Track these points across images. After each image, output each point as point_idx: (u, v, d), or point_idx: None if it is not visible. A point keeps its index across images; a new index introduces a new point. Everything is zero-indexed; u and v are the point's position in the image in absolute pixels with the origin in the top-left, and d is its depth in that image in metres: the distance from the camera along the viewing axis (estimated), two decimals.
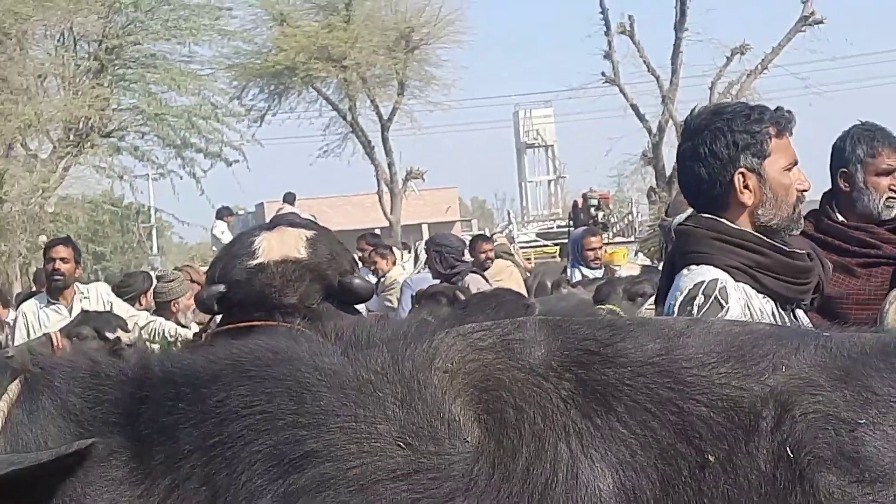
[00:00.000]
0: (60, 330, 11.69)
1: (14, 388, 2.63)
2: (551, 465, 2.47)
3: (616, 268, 19.48)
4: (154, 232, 51.09)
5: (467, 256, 19.15)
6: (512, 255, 23.98)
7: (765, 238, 4.89)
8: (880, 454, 2.43)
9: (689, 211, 5.20)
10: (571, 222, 34.83)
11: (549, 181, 58.68)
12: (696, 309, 4.67)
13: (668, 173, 39.97)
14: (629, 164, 45.90)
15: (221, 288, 5.50)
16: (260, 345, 2.82)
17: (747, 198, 4.89)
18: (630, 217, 43.67)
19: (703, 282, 4.77)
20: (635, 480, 2.46)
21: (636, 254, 23.78)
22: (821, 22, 40.17)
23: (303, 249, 5.19)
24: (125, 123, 46.39)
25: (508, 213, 54.43)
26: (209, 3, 47.27)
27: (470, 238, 22.48)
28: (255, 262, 5.28)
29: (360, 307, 12.91)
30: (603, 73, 42.78)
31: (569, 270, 19.03)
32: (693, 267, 4.84)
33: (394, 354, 2.63)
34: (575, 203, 36.28)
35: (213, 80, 48.16)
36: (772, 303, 4.75)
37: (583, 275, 18.20)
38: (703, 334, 2.74)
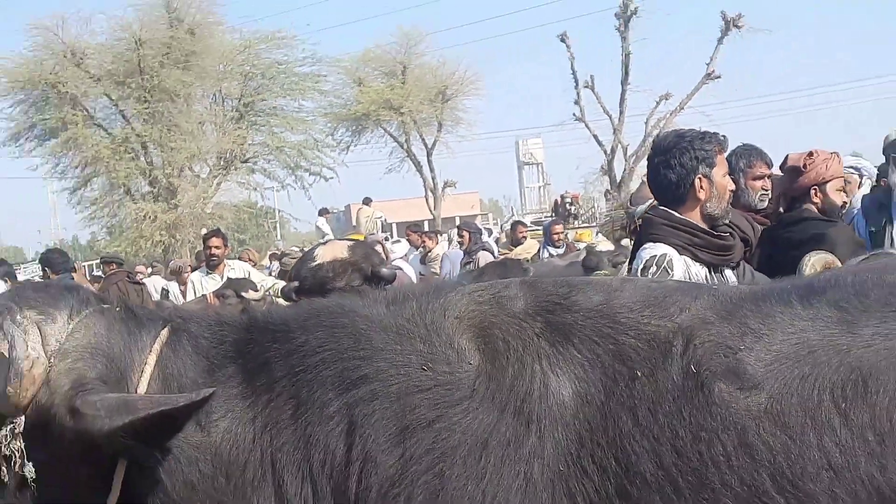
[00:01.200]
0: (213, 292, 11.88)
1: (165, 332, 2.63)
2: (529, 379, 2.47)
3: (579, 244, 19.64)
4: (277, 225, 51.49)
5: (485, 238, 19.38)
6: None
7: (699, 225, 4.87)
8: (755, 370, 2.39)
9: (650, 202, 5.21)
10: (553, 214, 34.96)
11: (539, 187, 58.61)
12: (650, 274, 4.69)
13: (618, 180, 40.30)
14: (592, 174, 46.06)
15: (295, 284, 5.81)
16: (331, 302, 2.86)
17: (702, 195, 4.85)
18: (593, 209, 43.61)
19: (655, 255, 4.75)
20: (587, 389, 2.44)
21: (597, 234, 23.74)
22: (718, 77, 39.96)
23: (345, 252, 5.44)
24: (257, 153, 46.82)
25: (512, 209, 54.51)
26: (311, 72, 47.67)
27: (512, 222, 22.92)
28: (314, 263, 5.58)
29: (411, 274, 12.95)
30: (574, 115, 42.75)
31: (541, 250, 19.15)
32: (651, 244, 4.81)
33: (420, 307, 2.65)
34: (556, 201, 36.37)
35: (315, 124, 48.67)
36: (705, 268, 4.73)
37: (550, 253, 18.29)
38: (631, 289, 2.72)
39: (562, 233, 19.90)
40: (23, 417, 2.44)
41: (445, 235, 24.94)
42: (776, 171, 7.05)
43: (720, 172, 4.94)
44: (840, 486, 2.26)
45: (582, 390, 2.44)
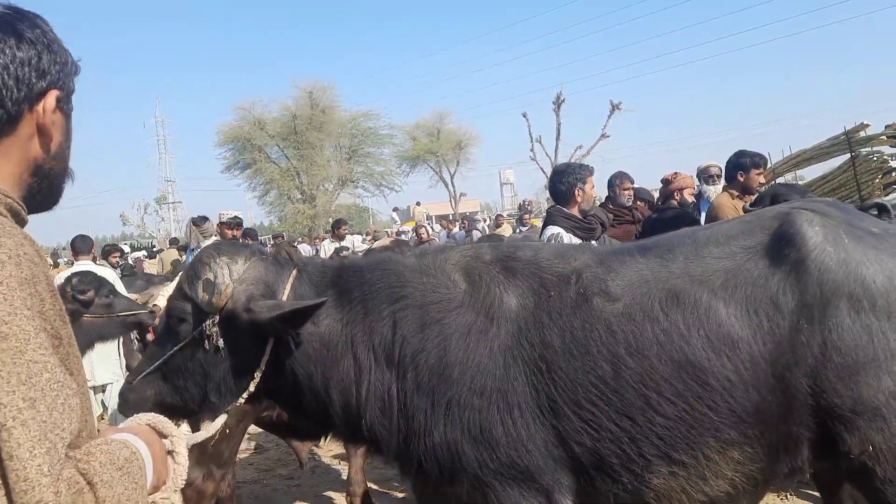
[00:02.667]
0: (335, 250, 11.87)
1: (295, 272, 2.59)
2: (493, 296, 2.43)
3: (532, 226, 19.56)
4: (370, 216, 51.37)
5: (480, 225, 19.41)
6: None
7: (576, 216, 4.73)
8: (615, 290, 2.38)
9: (551, 203, 5.11)
10: (520, 212, 34.74)
11: (512, 196, 58.02)
12: (565, 240, 4.58)
13: None
14: (539, 188, 45.74)
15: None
16: (385, 255, 2.79)
17: (579, 198, 4.74)
18: (539, 208, 43.26)
19: (553, 233, 4.65)
20: (524, 301, 2.42)
21: (542, 221, 23.58)
22: (608, 136, 39.33)
23: (388, 242, 5.31)
24: (358, 177, 46.59)
25: (496, 209, 54.08)
26: (388, 133, 47.56)
27: (496, 215, 22.94)
28: (373, 246, 5.39)
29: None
30: (530, 156, 42.22)
31: (517, 228, 19.20)
32: (551, 226, 4.73)
33: (434, 258, 2.59)
34: (520, 204, 36.05)
35: (390, 161, 48.47)
36: (579, 240, 4.60)
37: (521, 230, 18.34)
38: (548, 248, 2.69)
39: (529, 219, 19.82)
40: (218, 315, 2.45)
41: (458, 223, 24.87)
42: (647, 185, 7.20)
43: (589, 186, 4.81)
44: (662, 352, 2.27)
45: (522, 302, 2.41)
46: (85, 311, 4.97)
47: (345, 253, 10.84)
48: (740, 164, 5.83)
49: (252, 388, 2.51)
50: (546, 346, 2.33)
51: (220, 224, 8.39)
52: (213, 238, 8.86)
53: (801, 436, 2.26)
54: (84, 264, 7.94)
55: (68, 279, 5.16)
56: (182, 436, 1.50)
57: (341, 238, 13.55)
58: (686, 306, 2.31)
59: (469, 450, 2.30)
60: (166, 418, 1.51)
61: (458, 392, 2.31)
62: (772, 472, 2.33)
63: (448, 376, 2.33)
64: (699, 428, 2.24)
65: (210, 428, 2.49)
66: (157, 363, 2.56)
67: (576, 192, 4.80)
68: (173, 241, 24.25)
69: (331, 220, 26.81)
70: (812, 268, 2.27)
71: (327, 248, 13.45)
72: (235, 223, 8.36)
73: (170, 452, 1.46)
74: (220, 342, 2.46)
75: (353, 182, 46.59)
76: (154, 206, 53.91)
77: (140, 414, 1.51)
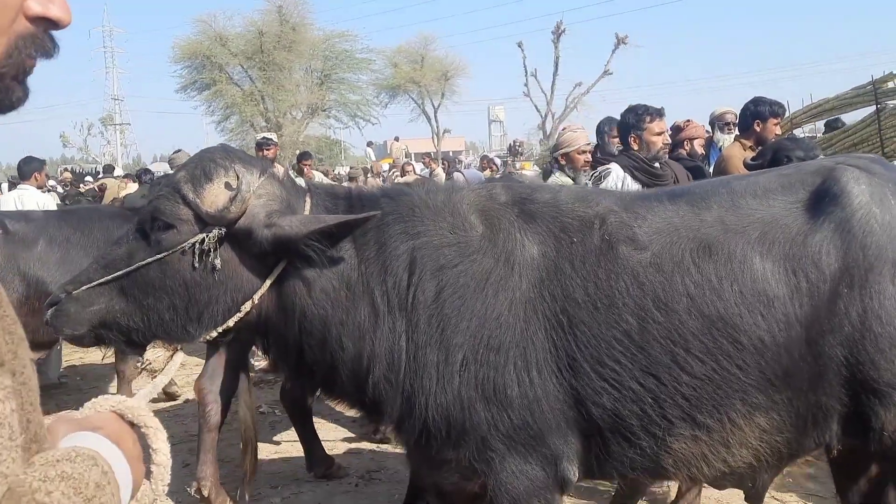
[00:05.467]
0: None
1: (308, 197, 2.55)
2: (512, 241, 2.45)
3: (524, 171, 19.42)
4: (342, 150, 50.73)
5: (467, 164, 19.44)
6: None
7: (643, 158, 4.81)
8: (643, 238, 2.42)
9: (545, 146, 5.32)
10: (509, 153, 34.56)
11: (501, 136, 57.37)
12: (602, 175, 4.79)
13: (547, 133, 39.82)
14: (532, 129, 45.46)
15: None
16: (395, 186, 2.83)
17: (635, 146, 4.85)
18: (531, 150, 43.04)
19: (605, 167, 4.84)
20: (545, 249, 2.44)
21: (533, 164, 23.42)
22: (610, 73, 39.09)
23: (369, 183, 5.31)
24: (331, 106, 45.89)
25: (483, 148, 53.77)
26: (366, 58, 46.74)
27: (481, 157, 22.90)
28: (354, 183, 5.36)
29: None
30: (523, 92, 41.88)
31: (515, 173, 19.27)
32: (613, 164, 4.83)
33: (447, 196, 2.59)
34: (510, 145, 35.81)
35: (367, 90, 47.81)
36: (640, 186, 4.71)
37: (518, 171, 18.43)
38: (567, 191, 2.73)
39: (511, 163, 19.87)
40: (224, 229, 2.33)
41: (440, 163, 24.88)
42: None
43: (652, 132, 4.87)
44: (693, 306, 2.32)
45: (542, 249, 2.43)
46: None
47: None
48: (757, 113, 5.84)
49: (231, 322, 2.40)
50: (568, 299, 2.36)
51: (256, 145, 8.83)
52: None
53: (830, 408, 2.34)
54: (24, 189, 8.02)
55: None
56: (161, 428, 1.28)
57: (302, 173, 13.48)
58: (719, 258, 2.35)
59: (481, 409, 2.33)
60: (137, 402, 1.26)
61: (474, 347, 2.33)
62: (798, 445, 2.42)
63: (464, 329, 2.34)
64: (727, 389, 2.30)
65: (170, 370, 2.24)
66: (118, 273, 2.36)
67: (630, 139, 4.92)
68: (108, 169, 21.61)
69: (297, 151, 26.57)
70: (857, 229, 2.32)
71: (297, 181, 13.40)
72: (264, 143, 8.67)
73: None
74: (217, 261, 2.35)
75: (324, 111, 45.88)
76: (99, 127, 52.73)
77: (100, 397, 1.25)
